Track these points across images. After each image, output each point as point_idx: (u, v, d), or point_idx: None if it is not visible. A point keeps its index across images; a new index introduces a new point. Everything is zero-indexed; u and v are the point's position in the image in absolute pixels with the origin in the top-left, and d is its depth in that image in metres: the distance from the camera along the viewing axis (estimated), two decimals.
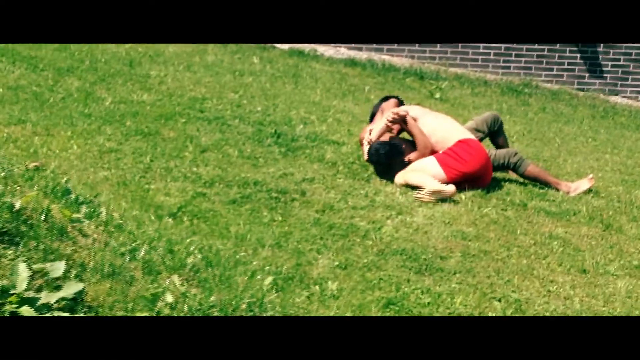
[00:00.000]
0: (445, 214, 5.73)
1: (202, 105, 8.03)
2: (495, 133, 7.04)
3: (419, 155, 6.45)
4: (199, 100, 8.20)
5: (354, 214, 5.56)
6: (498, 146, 7.08)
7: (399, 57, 12.44)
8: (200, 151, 6.56)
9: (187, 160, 6.25)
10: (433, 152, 6.45)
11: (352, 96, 9.76)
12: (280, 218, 5.36)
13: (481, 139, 6.89)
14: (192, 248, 4.24)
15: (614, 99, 12.46)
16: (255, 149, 6.78)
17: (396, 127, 6.78)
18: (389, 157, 6.44)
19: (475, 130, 6.91)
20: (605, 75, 12.70)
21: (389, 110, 6.73)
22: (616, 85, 12.73)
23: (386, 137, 6.69)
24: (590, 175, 6.76)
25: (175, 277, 3.64)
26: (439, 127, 6.60)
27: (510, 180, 6.79)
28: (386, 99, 7.22)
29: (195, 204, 5.40)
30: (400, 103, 7.11)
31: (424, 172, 6.26)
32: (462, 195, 6.18)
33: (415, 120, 6.55)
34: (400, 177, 6.32)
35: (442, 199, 5.95)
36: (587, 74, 12.70)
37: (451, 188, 6.02)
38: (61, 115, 6.93)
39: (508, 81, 12.20)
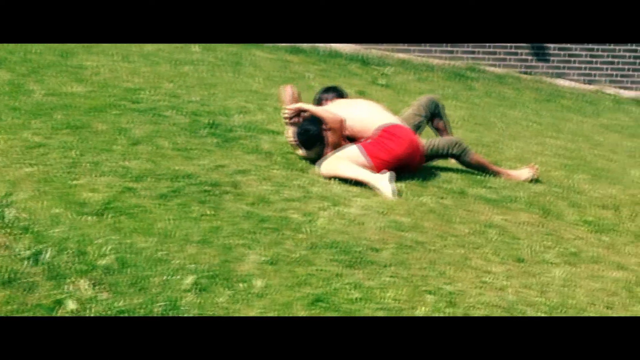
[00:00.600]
0: (382, 203, 5.59)
1: (136, 96, 7.81)
2: (434, 116, 6.91)
3: (334, 131, 6.32)
4: (133, 91, 7.98)
5: (287, 206, 5.40)
6: (438, 130, 6.96)
7: (343, 43, 12.29)
8: (131, 144, 6.36)
9: (116, 154, 6.04)
10: (354, 141, 6.34)
11: (293, 84, 9.58)
12: (210, 212, 5.18)
13: (421, 124, 6.77)
14: (105, 248, 4.05)
15: (559, 81, 12.43)
16: (189, 140, 6.59)
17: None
18: (315, 137, 6.33)
19: (415, 115, 6.78)
20: (550, 58, 12.65)
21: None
22: (561, 68, 12.69)
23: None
24: (533, 164, 6.68)
25: (82, 281, 3.46)
26: (358, 116, 6.43)
27: (450, 168, 6.66)
28: (327, 90, 7.06)
29: (122, 200, 5.20)
30: (341, 95, 6.94)
31: (349, 161, 6.11)
32: (401, 184, 6.05)
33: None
34: (327, 167, 6.15)
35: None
36: (532, 57, 12.65)
37: (389, 176, 5.85)
38: None
39: (453, 66, 12.11)
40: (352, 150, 6.20)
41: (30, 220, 4.29)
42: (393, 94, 9.80)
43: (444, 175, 6.40)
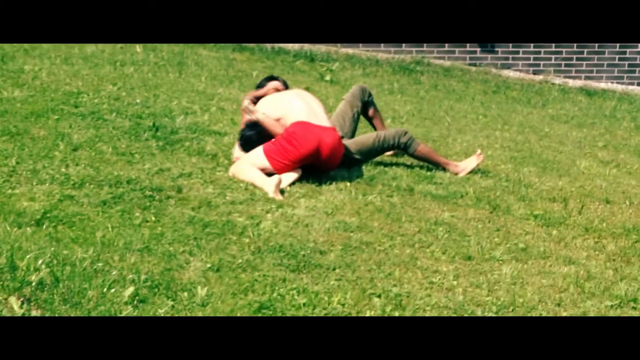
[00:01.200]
0: (328, 203, 5.49)
1: (77, 100, 7.64)
2: (367, 105, 6.84)
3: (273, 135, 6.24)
4: (74, 95, 7.81)
5: (232, 210, 5.29)
6: (371, 119, 6.91)
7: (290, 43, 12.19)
8: (72, 149, 6.20)
9: (56, 161, 5.89)
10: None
11: (238, 82, 9.47)
12: (153, 218, 5.05)
13: (357, 115, 6.69)
14: (39, 261, 3.91)
15: (505, 72, 12.42)
16: (131, 144, 6.45)
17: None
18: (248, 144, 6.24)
19: (350, 107, 6.69)
20: (496, 49, 12.64)
21: (246, 101, 6.47)
22: (508, 59, 12.69)
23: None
24: (479, 152, 6.62)
25: (12, 299, 3.33)
26: (285, 111, 6.26)
27: (397, 164, 6.60)
28: (271, 78, 6.93)
29: (62, 208, 5.05)
30: (285, 86, 6.82)
31: (252, 165, 5.99)
32: (347, 183, 5.97)
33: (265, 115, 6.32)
34: (232, 170, 6.02)
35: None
36: (478, 49, 12.62)
37: (275, 180, 5.69)
38: None
39: (400, 60, 12.05)
40: (255, 153, 6.09)
41: None
42: (339, 90, 9.69)
43: (390, 172, 6.33)
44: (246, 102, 6.41)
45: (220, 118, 7.50)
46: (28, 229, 4.64)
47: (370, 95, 6.83)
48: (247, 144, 6.24)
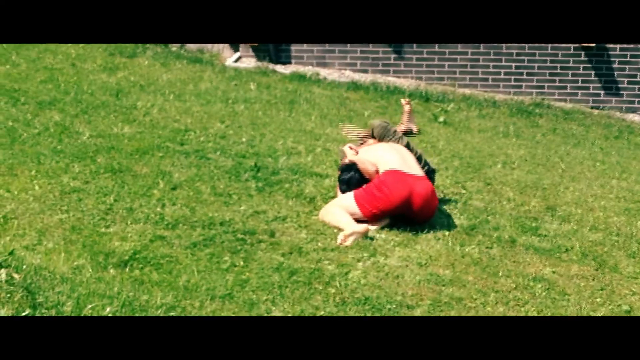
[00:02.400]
0: (423, 254, 5.29)
1: (183, 137, 7.67)
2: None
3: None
4: (181, 132, 7.84)
5: (322, 257, 5.15)
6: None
7: (405, 79, 12.05)
8: (171, 188, 6.19)
9: (153, 199, 5.88)
10: None
11: (349, 122, 9.36)
12: (241, 263, 4.97)
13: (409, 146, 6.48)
14: (108, 309, 3.84)
15: (630, 117, 11.96)
16: (230, 184, 6.40)
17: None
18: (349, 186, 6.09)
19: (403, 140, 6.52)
20: (621, 92, 12.20)
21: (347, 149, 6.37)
22: (633, 102, 12.22)
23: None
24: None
25: None
26: (378, 158, 6.10)
27: (500, 213, 6.34)
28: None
29: (152, 249, 5.02)
30: (390, 133, 6.67)
31: (341, 209, 5.83)
32: (445, 232, 5.75)
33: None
34: (322, 213, 5.89)
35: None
36: (602, 91, 12.21)
37: (361, 227, 5.52)
38: (30, 152, 6.61)
39: (519, 101, 11.74)
40: (346, 197, 5.95)
41: (43, 276, 4.11)
42: (452, 132, 9.50)
43: (493, 221, 6.08)
44: (346, 147, 6.32)
45: (324, 159, 7.40)
46: (112, 270, 4.61)
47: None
48: (347, 186, 6.12)
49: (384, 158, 6.05)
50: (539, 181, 7.52)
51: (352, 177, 6.10)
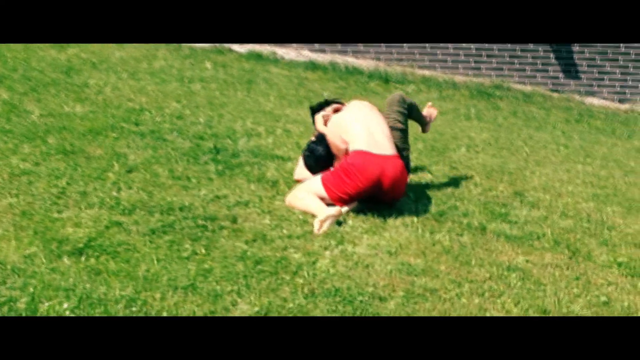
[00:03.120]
0: (393, 241, 5.08)
1: (138, 117, 7.38)
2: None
3: (337, 159, 5.89)
4: (136, 112, 7.54)
5: (288, 244, 4.91)
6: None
7: (364, 59, 11.82)
8: (126, 171, 5.91)
9: (108, 183, 5.59)
10: None
11: (308, 103, 9.10)
12: (203, 251, 4.71)
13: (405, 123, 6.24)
14: (65, 305, 3.58)
15: (589, 100, 11.86)
16: (188, 167, 6.13)
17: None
18: (318, 161, 5.89)
19: (398, 115, 6.22)
20: (580, 75, 12.10)
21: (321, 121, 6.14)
22: (592, 86, 12.13)
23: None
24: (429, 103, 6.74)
25: None
26: (347, 137, 5.82)
27: (469, 199, 6.15)
28: (327, 104, 6.41)
29: (107, 236, 4.74)
30: (335, 102, 6.40)
31: (310, 194, 5.59)
32: (414, 218, 5.55)
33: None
34: (289, 199, 5.64)
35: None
36: (561, 75, 12.10)
37: (334, 211, 5.30)
38: None
39: (478, 83, 11.58)
40: (314, 181, 5.71)
41: None
42: None
43: (462, 207, 5.89)
44: (321, 115, 6.09)
45: (285, 141, 7.16)
46: (66, 259, 4.34)
47: (408, 102, 6.36)
48: (313, 160, 5.89)
49: (352, 133, 5.77)
50: (505, 165, 7.36)
51: (316, 150, 5.89)
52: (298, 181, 5.91)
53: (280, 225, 5.20)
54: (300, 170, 5.97)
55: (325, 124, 6.10)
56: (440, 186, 6.47)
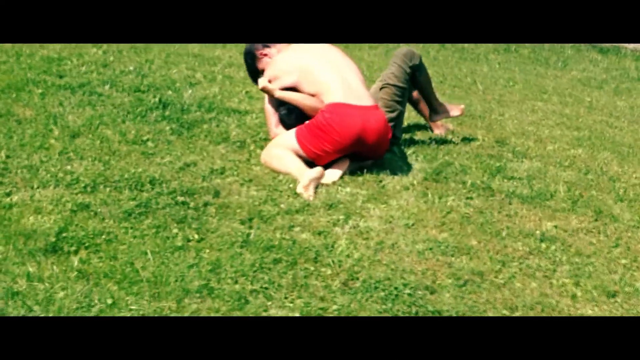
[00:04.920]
0: (404, 211, 4.44)
1: (59, 67, 6.49)
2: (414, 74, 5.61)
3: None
4: (54, 61, 6.65)
5: (289, 222, 4.20)
6: (412, 101, 5.87)
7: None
8: (70, 136, 5.08)
9: (55, 153, 4.76)
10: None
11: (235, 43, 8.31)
12: (195, 236, 3.97)
13: (405, 89, 5.56)
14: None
15: None
16: (140, 127, 5.33)
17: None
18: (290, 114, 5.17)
19: (397, 70, 5.53)
20: None
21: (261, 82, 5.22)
22: None
23: None
24: (462, 106, 5.91)
25: None
26: (317, 87, 5.03)
27: (456, 151, 5.57)
28: (251, 53, 5.43)
29: (78, 224, 3.95)
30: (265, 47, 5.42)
31: (287, 151, 4.95)
32: (410, 178, 4.94)
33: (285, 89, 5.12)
34: (264, 157, 4.99)
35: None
36: None
37: (316, 172, 4.69)
38: None
39: None
40: (288, 137, 5.02)
41: None
42: None
43: (454, 162, 5.29)
44: (263, 82, 5.24)
45: (232, 91, 6.41)
46: (43, 260, 3.55)
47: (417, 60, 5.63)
48: (285, 115, 5.18)
49: (323, 81, 5.02)
50: (470, 107, 6.81)
51: (293, 111, 5.17)
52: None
53: (270, 197, 4.49)
54: (277, 129, 5.22)
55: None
56: (416, 136, 5.88)
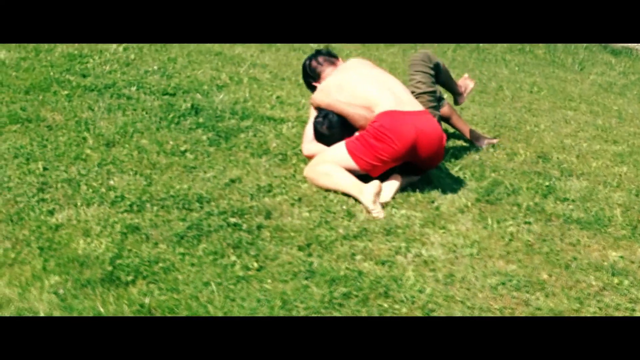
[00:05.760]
0: (465, 238, 4.25)
1: (82, 66, 6.24)
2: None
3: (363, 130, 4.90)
4: (75, 58, 6.39)
5: (351, 249, 4.00)
6: (444, 119, 5.74)
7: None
8: (105, 145, 4.85)
9: (93, 165, 4.54)
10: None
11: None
12: (255, 264, 3.77)
13: (436, 91, 5.40)
14: None
15: None
16: (175, 136, 5.11)
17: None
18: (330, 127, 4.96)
19: (423, 77, 5.38)
20: None
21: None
22: None
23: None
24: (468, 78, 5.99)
25: None
26: (368, 97, 4.86)
27: (503, 168, 5.36)
28: (314, 58, 5.33)
29: (132, 249, 3.74)
30: (328, 55, 5.33)
31: (337, 167, 4.73)
32: (463, 200, 4.75)
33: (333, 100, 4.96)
34: (310, 172, 4.79)
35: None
36: None
37: (375, 187, 4.50)
38: None
39: None
40: (337, 151, 4.81)
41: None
42: None
43: (502, 180, 5.10)
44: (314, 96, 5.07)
45: (261, 95, 6.19)
46: (100, 292, 3.33)
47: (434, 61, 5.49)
48: (328, 127, 4.98)
49: (371, 96, 4.84)
50: (502, 117, 6.62)
51: (330, 119, 4.96)
52: (309, 157, 4.97)
53: (324, 219, 4.28)
54: (311, 145, 5.00)
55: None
56: (458, 150, 5.69)
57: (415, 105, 4.87)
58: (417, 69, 5.33)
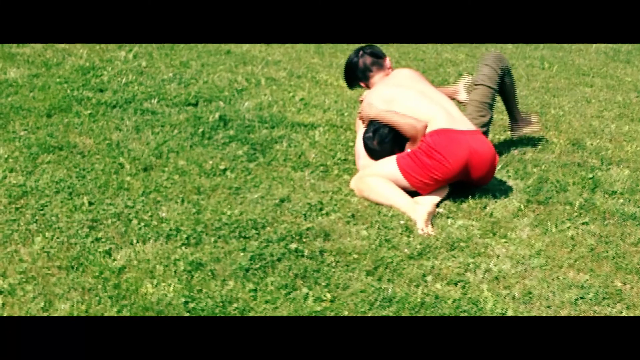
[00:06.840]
0: (529, 247, 4.18)
1: (97, 79, 6.07)
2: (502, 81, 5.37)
3: (413, 141, 4.84)
4: (88, 71, 6.22)
5: (419, 270, 3.91)
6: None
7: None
8: (143, 170, 4.72)
9: (137, 194, 4.41)
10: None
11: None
12: (327, 296, 3.68)
13: (496, 92, 5.32)
14: None
15: None
16: (212, 153, 4.99)
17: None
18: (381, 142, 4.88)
19: (491, 72, 5.31)
20: None
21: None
22: None
23: None
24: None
25: None
26: (421, 112, 4.79)
27: (542, 160, 5.29)
28: (359, 56, 5.20)
29: (202, 289, 3.63)
30: (376, 56, 5.24)
31: (387, 182, 4.66)
32: (514, 202, 4.67)
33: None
34: (358, 185, 4.71)
35: None
36: None
37: (430, 205, 4.49)
38: None
39: None
40: (388, 167, 4.74)
41: None
42: None
43: (546, 176, 5.03)
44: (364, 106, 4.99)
45: (283, 97, 6.07)
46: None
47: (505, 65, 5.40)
48: (379, 142, 4.89)
49: (424, 111, 4.80)
50: (526, 100, 6.54)
51: (381, 133, 4.86)
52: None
53: (384, 236, 4.19)
54: (366, 161, 4.90)
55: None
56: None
57: (467, 125, 4.80)
58: (487, 63, 5.27)
